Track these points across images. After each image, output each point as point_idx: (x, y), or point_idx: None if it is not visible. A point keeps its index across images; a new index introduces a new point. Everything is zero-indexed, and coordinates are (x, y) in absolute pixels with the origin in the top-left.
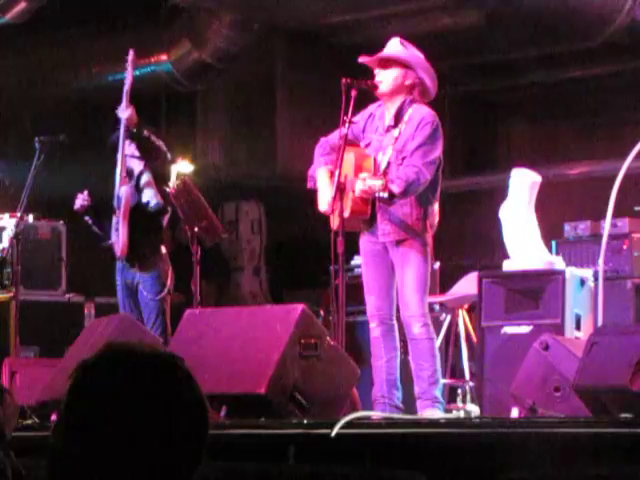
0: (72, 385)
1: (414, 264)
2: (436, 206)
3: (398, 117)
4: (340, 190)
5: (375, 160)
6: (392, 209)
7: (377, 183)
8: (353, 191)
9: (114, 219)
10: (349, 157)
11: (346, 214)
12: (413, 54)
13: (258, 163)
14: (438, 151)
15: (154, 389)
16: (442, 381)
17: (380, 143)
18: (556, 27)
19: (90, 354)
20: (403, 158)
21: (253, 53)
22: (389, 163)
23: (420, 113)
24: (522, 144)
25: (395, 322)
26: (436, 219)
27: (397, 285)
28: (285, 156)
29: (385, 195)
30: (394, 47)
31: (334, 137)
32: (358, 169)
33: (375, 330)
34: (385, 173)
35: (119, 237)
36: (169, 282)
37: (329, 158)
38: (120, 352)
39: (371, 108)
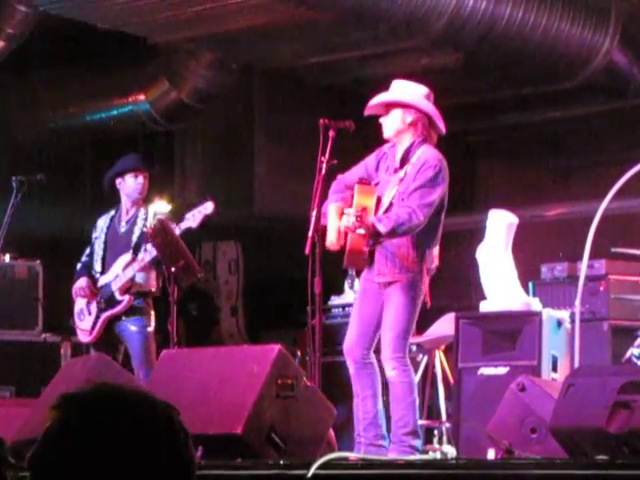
0: (54, 416)
1: (398, 307)
2: (435, 250)
3: (405, 159)
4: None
5: (379, 199)
6: (390, 249)
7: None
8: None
9: (84, 301)
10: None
11: (347, 253)
12: (407, 92)
13: (236, 203)
14: (436, 194)
15: (138, 432)
16: (419, 422)
17: (387, 183)
18: (534, 68)
19: None
20: (403, 200)
21: (231, 93)
22: (391, 203)
23: (425, 156)
24: (500, 185)
25: (372, 360)
26: (434, 263)
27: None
28: (263, 196)
29: (362, 232)
30: (391, 90)
31: (351, 175)
32: (357, 206)
33: (350, 368)
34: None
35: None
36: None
37: (341, 196)
38: (105, 389)
39: (385, 147)
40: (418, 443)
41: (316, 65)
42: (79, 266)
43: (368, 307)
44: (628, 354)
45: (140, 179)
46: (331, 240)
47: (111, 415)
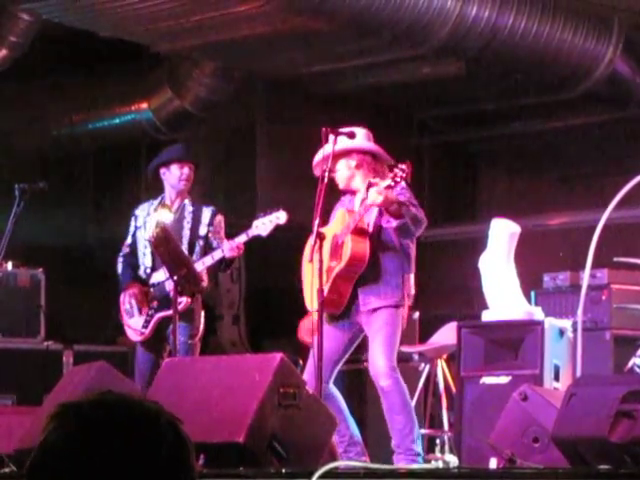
0: (51, 425)
1: (386, 324)
2: (412, 277)
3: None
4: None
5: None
6: (372, 280)
7: (387, 182)
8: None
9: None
10: (339, 213)
11: (341, 264)
12: (342, 140)
13: (238, 211)
14: (420, 213)
15: (141, 442)
16: (421, 431)
17: (357, 214)
18: (536, 77)
19: None
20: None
21: (234, 102)
22: (375, 223)
23: None
24: (502, 194)
25: (331, 391)
26: (412, 290)
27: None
28: (265, 205)
29: (399, 188)
30: (327, 148)
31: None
32: (347, 226)
33: None
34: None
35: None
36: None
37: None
38: (105, 398)
39: (345, 197)
40: (420, 448)
41: (318, 74)
42: (122, 264)
43: (331, 342)
44: (630, 363)
45: (186, 170)
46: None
47: (110, 425)
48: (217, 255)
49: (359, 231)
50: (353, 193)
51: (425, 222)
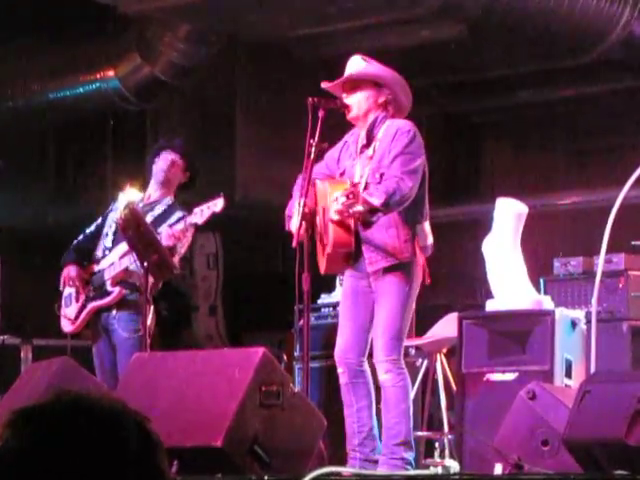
0: (7, 434)
1: (392, 303)
2: (426, 225)
3: (370, 135)
4: (317, 229)
5: (354, 184)
6: (377, 234)
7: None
8: (332, 221)
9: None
10: (324, 186)
11: (328, 250)
12: (382, 69)
13: (215, 190)
14: (419, 160)
15: (104, 445)
16: (419, 433)
17: (354, 167)
18: (545, 42)
19: (28, 402)
20: (381, 175)
21: (211, 68)
22: (367, 184)
23: (394, 126)
24: (508, 170)
25: (366, 368)
26: (429, 239)
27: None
28: (245, 182)
29: (360, 209)
30: (358, 65)
31: (313, 172)
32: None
33: (342, 376)
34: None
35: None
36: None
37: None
38: (69, 401)
39: (346, 137)
40: (410, 456)
41: (304, 38)
42: (71, 246)
43: (359, 309)
44: None
45: (169, 160)
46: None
47: (69, 431)
48: None
49: (341, 221)
50: (359, 131)
51: (412, 190)
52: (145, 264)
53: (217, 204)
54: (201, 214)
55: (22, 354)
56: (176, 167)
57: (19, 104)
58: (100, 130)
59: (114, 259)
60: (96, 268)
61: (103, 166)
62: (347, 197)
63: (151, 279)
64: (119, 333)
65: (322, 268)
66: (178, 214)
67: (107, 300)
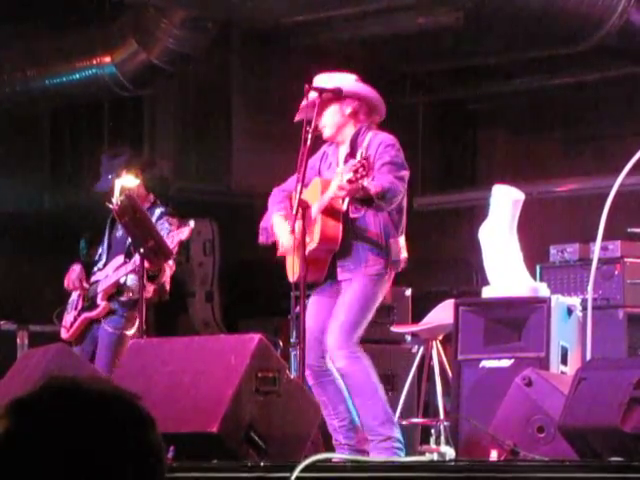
0: (4, 428)
1: (354, 296)
2: (401, 239)
3: (354, 145)
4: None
5: (363, 157)
6: (353, 244)
7: (349, 176)
8: (322, 212)
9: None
10: (315, 183)
11: (313, 245)
12: (338, 79)
13: (211, 177)
14: (405, 171)
15: (103, 432)
16: (414, 420)
17: (337, 177)
18: (541, 29)
19: (24, 388)
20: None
21: (206, 55)
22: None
23: (378, 138)
24: (504, 158)
25: (329, 367)
26: (402, 254)
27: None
28: (242, 169)
29: (365, 184)
30: (318, 83)
31: (288, 185)
32: (320, 205)
33: (308, 378)
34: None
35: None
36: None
37: (282, 205)
38: (64, 388)
39: (324, 147)
40: (396, 432)
41: (300, 25)
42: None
43: (320, 310)
44: None
45: (127, 190)
46: (284, 244)
47: (63, 415)
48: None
49: (330, 211)
50: (337, 144)
51: (401, 194)
52: (141, 250)
53: (184, 232)
54: (171, 241)
55: (18, 340)
56: (135, 189)
57: (15, 89)
58: (96, 116)
59: (109, 271)
60: (94, 278)
61: (98, 152)
62: (356, 170)
63: (149, 291)
64: (104, 329)
65: (294, 275)
66: (160, 210)
67: (94, 313)
